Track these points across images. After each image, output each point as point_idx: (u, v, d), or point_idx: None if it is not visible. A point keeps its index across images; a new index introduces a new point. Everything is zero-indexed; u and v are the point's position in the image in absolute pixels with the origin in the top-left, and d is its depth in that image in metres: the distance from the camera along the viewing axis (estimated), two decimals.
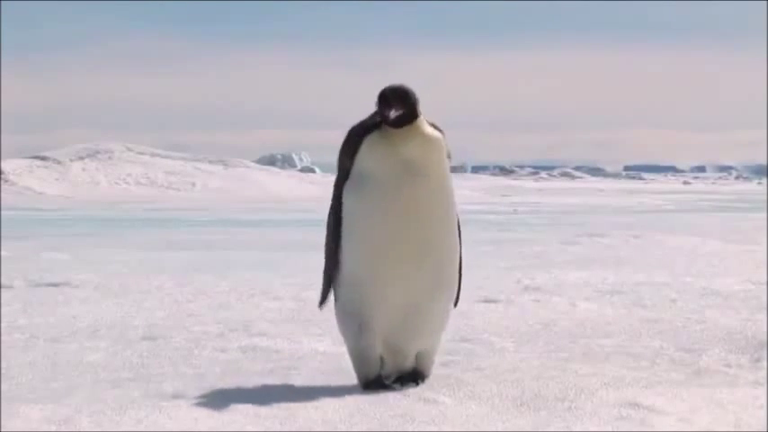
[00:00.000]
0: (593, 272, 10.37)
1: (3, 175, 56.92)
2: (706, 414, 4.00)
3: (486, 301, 7.86)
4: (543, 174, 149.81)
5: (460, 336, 6.07)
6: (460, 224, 4.69)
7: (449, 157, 4.64)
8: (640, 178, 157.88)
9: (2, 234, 17.26)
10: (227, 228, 22.44)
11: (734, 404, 4.16)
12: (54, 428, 3.88)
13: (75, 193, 54.33)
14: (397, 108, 4.48)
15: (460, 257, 4.69)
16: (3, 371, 5.23)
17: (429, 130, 4.58)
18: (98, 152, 64.72)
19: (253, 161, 78.07)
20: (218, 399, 4.36)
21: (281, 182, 63.62)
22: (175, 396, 4.47)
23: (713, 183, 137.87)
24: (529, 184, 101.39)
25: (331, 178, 4.80)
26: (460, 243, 4.68)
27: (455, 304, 4.75)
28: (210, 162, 65.86)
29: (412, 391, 4.46)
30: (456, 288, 4.69)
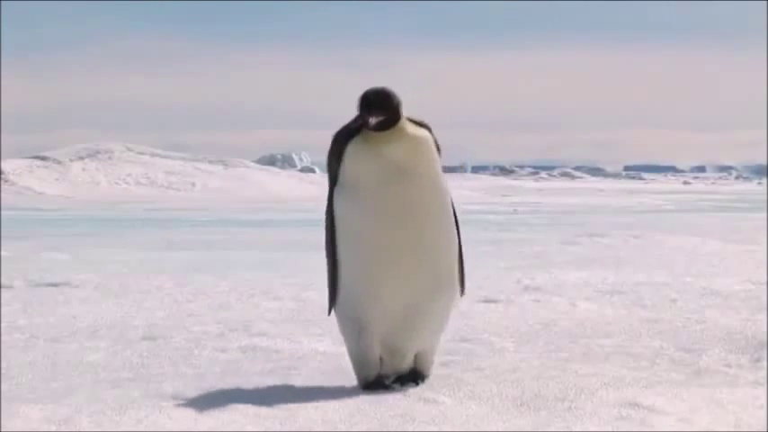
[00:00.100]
0: (593, 272, 10.37)
1: (3, 175, 56.93)
2: (706, 414, 4.00)
3: (486, 301, 7.86)
4: (543, 174, 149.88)
5: (460, 336, 6.07)
6: (458, 221, 4.66)
7: (438, 152, 4.60)
8: (640, 178, 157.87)
9: (2, 234, 17.26)
10: (227, 228, 22.43)
11: (734, 404, 4.16)
12: (54, 428, 3.88)
13: (75, 193, 54.34)
14: (378, 113, 4.44)
15: (461, 253, 4.67)
16: (3, 371, 5.23)
17: (412, 130, 4.54)
18: (98, 152, 64.73)
19: (253, 161, 78.07)
20: (218, 399, 4.35)
21: (281, 182, 63.64)
22: (175, 396, 4.47)
23: (713, 183, 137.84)
24: (529, 184, 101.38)
25: None
26: (459, 239, 4.65)
27: (461, 293, 4.71)
28: (210, 162, 65.87)
29: (412, 391, 4.46)
30: (456, 288, 4.67)
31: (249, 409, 4.13)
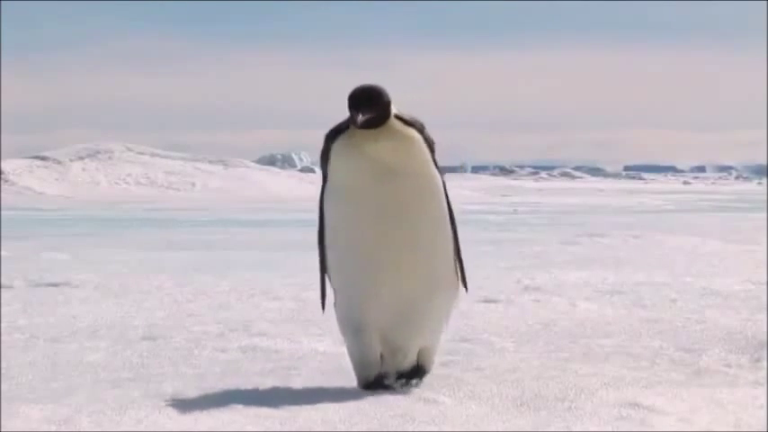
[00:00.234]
0: (593, 272, 10.37)
1: (3, 175, 56.95)
2: (706, 414, 4.00)
3: (486, 301, 7.86)
4: (543, 174, 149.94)
5: (460, 336, 6.07)
6: (455, 218, 4.60)
7: (431, 149, 4.55)
8: (640, 178, 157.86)
9: (2, 234, 17.26)
10: (227, 228, 22.43)
11: (734, 404, 4.16)
12: (54, 428, 3.88)
13: (75, 193, 54.35)
14: (366, 111, 4.42)
15: (459, 249, 4.63)
16: (3, 371, 5.22)
17: (400, 128, 4.50)
18: (98, 152, 64.76)
19: (253, 161, 78.09)
20: (218, 399, 4.36)
21: (281, 182, 63.65)
22: (175, 396, 4.47)
23: (713, 183, 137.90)
24: (529, 184, 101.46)
25: None
26: (456, 236, 4.60)
27: (465, 288, 4.67)
28: (210, 162, 65.90)
29: (412, 391, 4.46)
30: (456, 285, 4.64)
31: (249, 409, 4.13)
